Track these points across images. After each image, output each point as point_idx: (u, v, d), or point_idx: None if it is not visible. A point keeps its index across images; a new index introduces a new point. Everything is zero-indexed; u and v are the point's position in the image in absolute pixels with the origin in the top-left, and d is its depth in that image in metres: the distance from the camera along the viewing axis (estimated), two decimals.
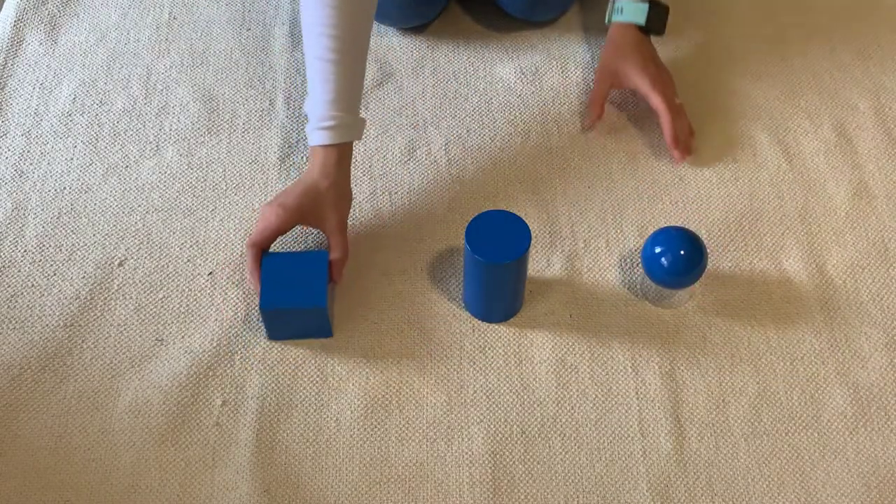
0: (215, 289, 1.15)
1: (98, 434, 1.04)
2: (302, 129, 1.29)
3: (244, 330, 1.12)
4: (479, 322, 1.12)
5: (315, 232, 1.19)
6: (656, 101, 1.26)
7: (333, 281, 1.12)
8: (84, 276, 1.16)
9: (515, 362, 1.09)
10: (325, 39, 1.07)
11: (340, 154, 1.11)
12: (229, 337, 1.11)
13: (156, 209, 1.22)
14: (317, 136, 1.10)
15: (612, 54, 1.30)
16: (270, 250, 1.12)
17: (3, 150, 1.28)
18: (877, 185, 1.24)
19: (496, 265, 1.03)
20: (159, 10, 1.45)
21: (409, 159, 1.27)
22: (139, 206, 1.22)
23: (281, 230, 1.10)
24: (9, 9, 1.44)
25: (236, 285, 1.15)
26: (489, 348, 1.11)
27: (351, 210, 1.22)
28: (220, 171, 1.26)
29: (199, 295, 1.15)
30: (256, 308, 1.13)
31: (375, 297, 1.14)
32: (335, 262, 1.11)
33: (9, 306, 1.13)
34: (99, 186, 1.24)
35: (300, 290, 1.07)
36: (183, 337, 1.11)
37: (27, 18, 1.43)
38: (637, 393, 1.07)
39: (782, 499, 1.00)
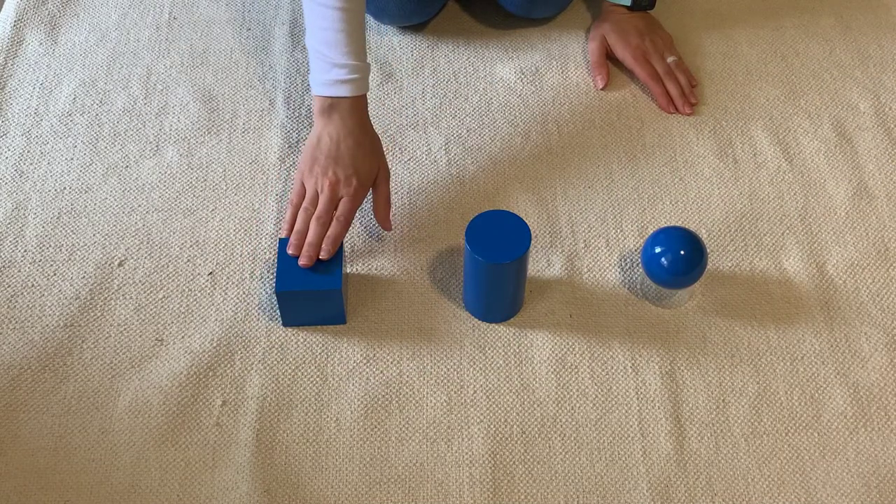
0: (215, 289, 1.15)
1: (98, 434, 1.04)
2: (302, 130, 1.29)
3: (244, 330, 1.12)
4: (479, 322, 1.12)
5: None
6: (641, 74, 1.33)
7: (387, 228, 1.14)
8: (84, 276, 1.16)
9: (515, 362, 1.09)
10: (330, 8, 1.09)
11: (365, 101, 1.14)
12: (229, 337, 1.11)
13: (156, 209, 1.22)
14: (350, 87, 1.11)
15: (599, 26, 1.38)
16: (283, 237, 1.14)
17: (3, 150, 1.28)
18: (877, 185, 1.24)
19: (496, 265, 1.03)
20: (159, 10, 1.45)
21: (409, 159, 1.27)
22: (139, 206, 1.22)
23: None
24: (9, 9, 1.44)
25: (236, 285, 1.15)
26: (489, 348, 1.11)
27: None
28: (220, 171, 1.26)
29: (199, 295, 1.15)
30: (260, 305, 1.13)
31: (375, 298, 1.14)
32: (386, 210, 1.14)
33: (9, 306, 1.13)
34: (99, 186, 1.24)
35: (316, 274, 1.07)
36: (183, 337, 1.11)
37: (27, 18, 1.43)
38: (637, 393, 1.07)
39: (782, 499, 1.01)
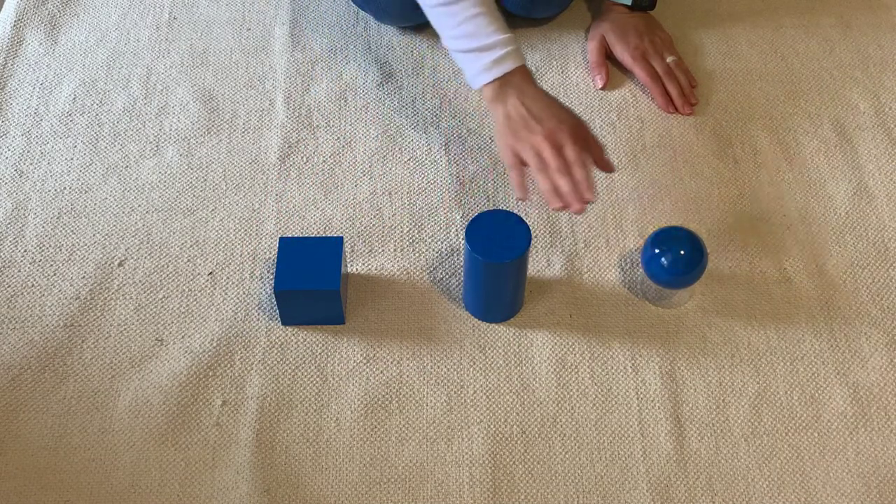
0: (215, 289, 1.15)
1: (98, 434, 1.04)
2: (302, 130, 1.29)
3: (244, 330, 1.12)
4: (479, 322, 1.12)
5: (333, 218, 1.19)
6: (640, 74, 1.33)
7: (612, 170, 1.12)
8: (84, 276, 1.16)
9: (515, 362, 1.09)
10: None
11: (528, 70, 1.13)
12: (229, 337, 1.11)
13: (156, 209, 1.22)
14: (512, 60, 1.09)
15: (598, 26, 1.37)
16: (287, 235, 1.14)
17: (3, 150, 1.28)
18: (877, 185, 1.24)
19: (496, 265, 1.03)
20: (159, 10, 1.45)
21: (409, 159, 1.27)
22: (139, 206, 1.22)
23: None
24: (9, 9, 1.44)
25: (236, 285, 1.15)
26: (489, 348, 1.11)
27: (351, 210, 1.23)
28: (220, 171, 1.26)
29: (199, 295, 1.15)
30: (260, 305, 1.13)
31: (375, 298, 1.14)
32: (602, 153, 1.12)
33: (9, 306, 1.13)
34: (99, 186, 1.24)
35: (315, 273, 1.07)
36: (183, 337, 1.11)
37: (27, 18, 1.43)
38: (637, 393, 1.07)
39: (782, 499, 1.01)
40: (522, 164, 1.10)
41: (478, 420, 1.05)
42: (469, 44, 1.10)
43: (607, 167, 1.12)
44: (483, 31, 1.09)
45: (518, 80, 1.10)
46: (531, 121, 1.09)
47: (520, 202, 1.13)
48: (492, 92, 1.11)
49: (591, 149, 1.11)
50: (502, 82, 1.10)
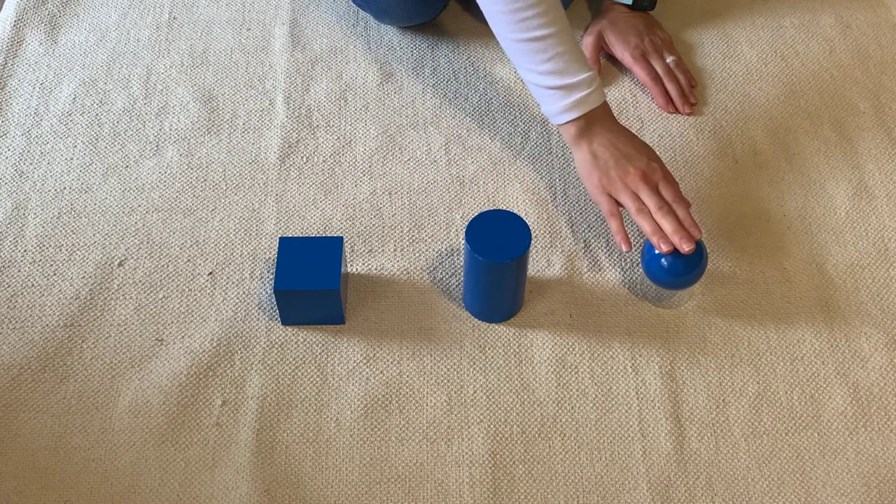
0: (215, 289, 1.15)
1: (98, 434, 1.04)
2: (302, 130, 1.29)
3: (244, 330, 1.12)
4: (479, 322, 1.12)
5: (333, 218, 1.19)
6: (640, 74, 1.33)
7: (688, 204, 1.09)
8: (84, 276, 1.16)
9: (515, 362, 1.09)
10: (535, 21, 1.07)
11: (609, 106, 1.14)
12: (229, 337, 1.11)
13: (156, 209, 1.22)
14: (596, 97, 1.10)
15: (597, 23, 1.37)
16: (287, 235, 1.14)
17: (3, 150, 1.28)
18: (877, 185, 1.24)
19: (496, 265, 1.03)
20: (159, 10, 1.45)
21: (409, 159, 1.27)
22: (139, 206, 1.22)
23: None
24: (9, 9, 1.44)
25: (236, 285, 1.15)
26: (489, 348, 1.11)
27: (351, 210, 1.23)
28: (220, 171, 1.26)
29: (199, 295, 1.15)
30: (259, 305, 1.13)
31: (375, 298, 1.14)
32: (679, 190, 1.11)
33: (9, 306, 1.13)
34: (99, 186, 1.24)
35: (314, 273, 1.07)
36: (183, 337, 1.11)
37: (27, 18, 1.43)
38: (637, 393, 1.07)
39: (782, 499, 1.01)
40: (618, 206, 1.11)
41: (478, 420, 1.05)
42: (555, 81, 1.09)
43: (686, 203, 1.11)
44: (570, 68, 1.09)
45: (602, 118, 1.11)
46: (622, 160, 1.09)
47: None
48: (576, 129, 1.11)
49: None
50: (588, 120, 1.10)
